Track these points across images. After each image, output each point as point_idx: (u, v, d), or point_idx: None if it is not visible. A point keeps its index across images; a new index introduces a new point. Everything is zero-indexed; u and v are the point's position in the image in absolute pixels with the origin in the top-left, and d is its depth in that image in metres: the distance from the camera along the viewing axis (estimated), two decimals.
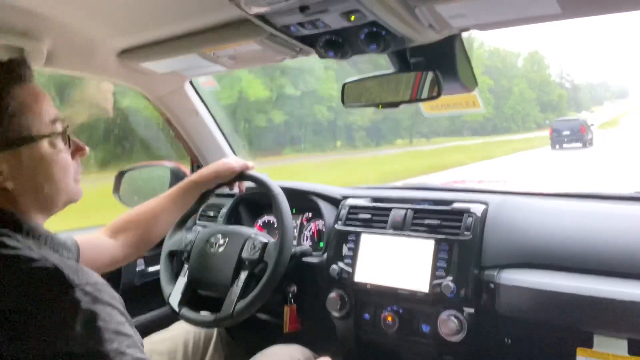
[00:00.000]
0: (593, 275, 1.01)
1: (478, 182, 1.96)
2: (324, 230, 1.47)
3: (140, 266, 1.62)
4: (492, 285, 1.09)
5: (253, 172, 1.30)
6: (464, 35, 1.04)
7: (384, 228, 1.27)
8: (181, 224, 1.40)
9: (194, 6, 1.03)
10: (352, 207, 1.37)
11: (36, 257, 0.63)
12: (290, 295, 1.35)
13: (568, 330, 1.03)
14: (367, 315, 1.26)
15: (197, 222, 1.63)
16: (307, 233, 1.55)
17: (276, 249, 1.22)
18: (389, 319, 1.20)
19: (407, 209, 1.27)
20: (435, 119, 28.48)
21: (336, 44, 1.01)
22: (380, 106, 1.13)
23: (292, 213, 1.31)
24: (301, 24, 0.93)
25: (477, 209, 1.19)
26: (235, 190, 1.32)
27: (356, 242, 1.29)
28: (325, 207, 1.46)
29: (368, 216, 1.32)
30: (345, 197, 1.45)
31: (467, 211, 1.19)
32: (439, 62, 1.06)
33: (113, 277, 1.48)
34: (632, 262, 0.99)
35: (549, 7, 0.84)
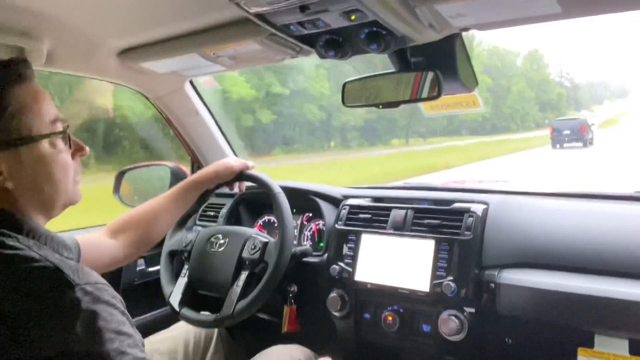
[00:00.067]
0: (594, 275, 1.01)
1: (478, 182, 1.96)
2: (324, 230, 1.47)
3: (141, 266, 1.62)
4: (492, 285, 1.09)
5: (253, 172, 1.30)
6: (465, 34, 1.04)
7: (385, 228, 1.27)
8: (181, 224, 1.40)
9: (194, 6, 1.03)
10: (352, 207, 1.37)
11: (36, 257, 0.63)
12: (291, 295, 1.35)
13: (569, 330, 1.02)
14: (367, 315, 1.26)
15: (197, 222, 1.63)
16: (307, 233, 1.55)
17: (276, 249, 1.22)
18: (390, 318, 1.20)
19: (407, 208, 1.27)
20: (432, 119, 28.09)
21: (336, 44, 1.01)
22: (380, 106, 1.13)
23: (293, 213, 1.31)
24: (301, 24, 0.93)
25: (478, 208, 1.19)
26: (235, 190, 1.31)
27: (356, 242, 1.29)
28: (325, 207, 1.46)
29: (368, 216, 1.32)
30: (346, 197, 1.45)
31: (468, 211, 1.19)
32: (439, 62, 1.06)
33: (113, 277, 1.48)
34: (633, 261, 0.99)
35: (549, 6, 0.84)
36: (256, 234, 1.31)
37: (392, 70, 1.13)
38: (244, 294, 1.21)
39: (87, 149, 0.82)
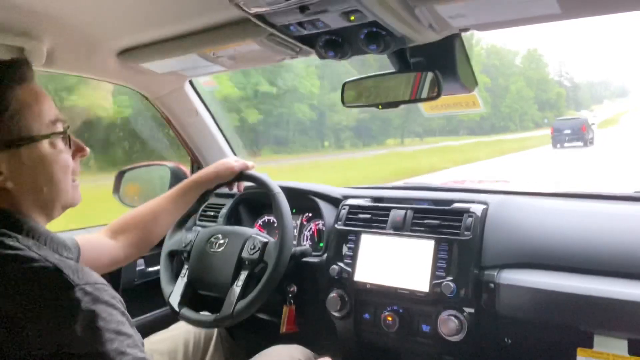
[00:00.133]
0: (593, 275, 1.01)
1: (478, 182, 1.96)
2: (323, 230, 1.47)
3: (140, 266, 1.62)
4: (492, 285, 1.09)
5: (253, 172, 1.31)
6: (463, 33, 1.05)
7: (384, 228, 1.27)
8: (181, 224, 1.41)
9: (194, 6, 1.03)
10: (352, 207, 1.37)
11: (36, 257, 0.63)
12: (290, 295, 1.35)
13: (568, 330, 1.02)
14: (367, 315, 1.26)
15: (197, 222, 1.63)
16: (307, 233, 1.55)
17: (276, 249, 1.22)
18: (389, 318, 1.20)
19: (407, 209, 1.27)
20: (428, 118, 27.86)
21: (336, 44, 1.01)
22: (380, 106, 1.13)
23: (292, 213, 1.31)
24: (301, 24, 0.93)
25: (477, 208, 1.19)
26: (235, 190, 1.32)
27: (356, 242, 1.29)
28: (325, 207, 1.46)
29: (368, 216, 1.32)
30: (346, 197, 1.45)
31: (467, 211, 1.19)
32: (439, 62, 1.06)
33: (113, 277, 1.48)
34: (632, 262, 0.99)
35: (549, 7, 0.84)
36: (256, 234, 1.31)
37: (392, 70, 1.13)
38: (243, 294, 1.21)
39: (88, 149, 0.82)
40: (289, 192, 1.32)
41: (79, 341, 0.58)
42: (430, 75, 1.04)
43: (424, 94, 1.05)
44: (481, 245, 1.15)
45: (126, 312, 0.65)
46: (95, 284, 0.63)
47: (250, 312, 1.20)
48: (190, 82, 1.63)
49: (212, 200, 1.67)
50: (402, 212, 1.27)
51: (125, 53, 1.29)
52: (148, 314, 1.64)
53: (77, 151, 0.81)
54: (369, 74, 1.14)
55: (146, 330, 1.36)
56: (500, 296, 1.08)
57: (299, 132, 23.09)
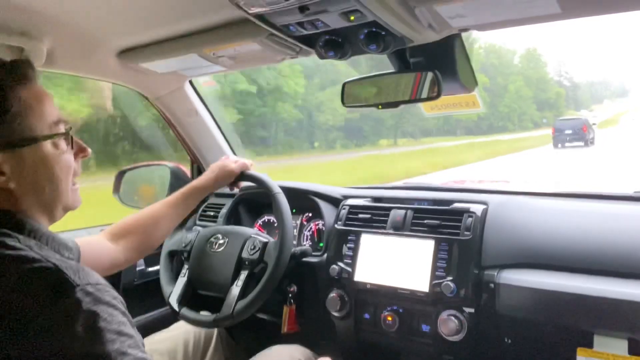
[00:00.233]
0: (593, 275, 1.01)
1: (478, 182, 1.96)
2: (324, 230, 1.47)
3: (140, 266, 1.62)
4: (492, 285, 1.09)
5: (253, 172, 1.31)
6: (463, 33, 1.05)
7: (384, 228, 1.27)
8: (181, 223, 1.40)
9: (194, 6, 1.03)
10: (352, 207, 1.37)
11: (37, 258, 0.63)
12: (290, 295, 1.35)
13: (568, 330, 1.03)
14: (367, 315, 1.26)
15: (197, 222, 1.63)
16: (307, 233, 1.55)
17: (276, 249, 1.22)
18: (389, 318, 1.20)
19: (407, 209, 1.27)
20: (422, 118, 27.00)
21: (336, 44, 1.01)
22: (380, 106, 1.13)
23: (292, 213, 1.31)
24: (301, 24, 0.93)
25: (477, 208, 1.19)
26: (236, 190, 1.32)
27: (356, 242, 1.29)
28: (325, 207, 1.46)
29: (368, 216, 1.32)
30: (346, 197, 1.45)
31: (467, 211, 1.19)
32: (438, 62, 1.06)
33: (113, 277, 1.48)
34: (632, 261, 0.99)
35: (549, 7, 0.84)
36: (256, 234, 1.31)
37: (392, 70, 1.13)
38: (243, 294, 1.21)
39: (89, 150, 0.82)
40: (289, 192, 1.32)
41: (80, 341, 0.58)
42: (430, 75, 1.04)
43: (424, 94, 1.05)
44: (481, 245, 1.15)
45: (127, 312, 0.65)
46: (96, 285, 0.63)
47: (250, 312, 1.21)
48: (190, 82, 1.64)
49: (212, 200, 1.67)
50: (402, 212, 1.27)
51: (125, 53, 1.29)
52: (148, 314, 1.64)
53: (78, 152, 0.81)
54: (368, 74, 1.14)
55: (146, 330, 1.36)
56: (500, 296, 1.08)
57: (285, 133, 21.98)
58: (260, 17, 0.91)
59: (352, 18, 0.88)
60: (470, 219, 1.17)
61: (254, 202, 1.64)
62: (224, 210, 1.61)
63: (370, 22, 0.90)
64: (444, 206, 1.25)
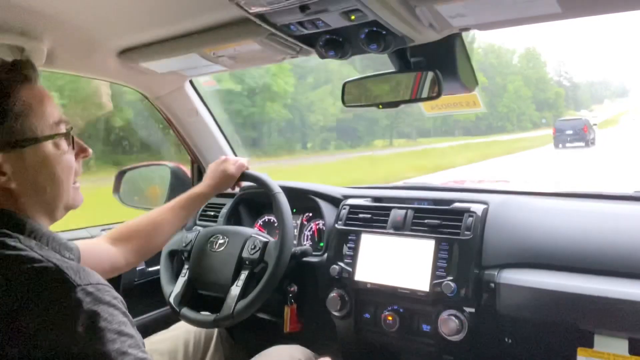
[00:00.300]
0: (594, 275, 1.01)
1: (478, 182, 1.96)
2: (324, 230, 1.47)
3: (141, 266, 1.62)
4: (492, 285, 1.09)
5: (253, 172, 1.31)
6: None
7: (384, 228, 1.27)
8: None
9: (194, 6, 1.03)
10: (352, 207, 1.37)
11: (38, 258, 0.63)
12: (291, 295, 1.35)
13: (568, 330, 1.02)
14: (367, 315, 1.26)
15: (197, 221, 1.63)
16: (307, 233, 1.55)
17: (276, 249, 1.22)
18: (390, 318, 1.20)
19: (407, 208, 1.27)
20: (417, 119, 26.37)
21: (336, 44, 1.01)
22: (380, 106, 1.13)
23: (293, 213, 1.31)
24: (301, 24, 0.93)
25: (478, 208, 1.19)
26: (236, 189, 1.32)
27: (356, 241, 1.29)
28: (325, 207, 1.46)
29: (368, 216, 1.32)
30: (346, 197, 1.45)
31: (468, 211, 1.19)
32: (439, 62, 1.06)
33: (113, 277, 1.48)
34: (633, 261, 0.99)
35: (549, 6, 0.84)
36: (256, 233, 1.31)
37: (392, 69, 1.13)
38: (243, 294, 1.21)
39: (90, 150, 0.82)
40: (290, 192, 1.32)
41: (81, 341, 0.58)
42: (430, 74, 1.04)
43: (425, 94, 1.05)
44: (481, 245, 1.15)
45: (127, 312, 0.65)
46: (97, 285, 0.63)
47: (251, 312, 1.21)
48: (191, 82, 1.63)
49: (212, 200, 1.66)
50: (403, 211, 1.27)
51: (126, 53, 1.29)
52: (148, 314, 1.64)
53: (79, 152, 0.81)
54: (369, 74, 1.14)
55: (146, 330, 1.36)
56: (501, 296, 1.08)
57: (275, 134, 20.90)
58: (260, 16, 0.91)
59: (352, 17, 0.88)
60: (470, 218, 1.17)
61: (254, 201, 1.64)
62: (224, 210, 1.61)
63: (371, 21, 0.90)
64: (444, 206, 1.25)
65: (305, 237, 1.55)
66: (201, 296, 1.33)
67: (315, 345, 1.27)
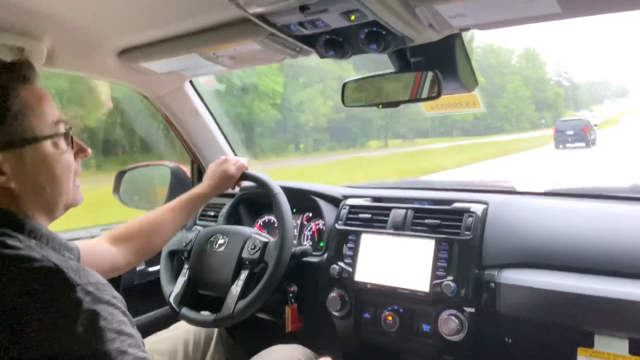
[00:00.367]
0: (594, 275, 1.01)
1: (478, 182, 1.96)
2: (324, 229, 1.47)
3: (141, 266, 1.62)
4: (492, 285, 1.09)
5: (253, 172, 1.31)
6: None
7: (384, 228, 1.27)
8: None
9: (194, 6, 1.03)
10: (352, 206, 1.37)
11: (38, 257, 0.63)
12: (291, 295, 1.35)
13: (569, 330, 1.03)
14: (367, 315, 1.26)
15: (197, 221, 1.63)
16: (307, 233, 1.55)
17: (276, 249, 1.22)
18: (390, 318, 1.20)
19: (407, 208, 1.27)
20: (413, 119, 25.79)
21: (336, 44, 1.01)
22: (380, 106, 1.13)
23: (293, 213, 1.31)
24: (301, 24, 0.93)
25: (478, 208, 1.19)
26: (236, 189, 1.32)
27: (356, 241, 1.29)
28: (325, 207, 1.46)
29: (368, 216, 1.32)
30: (346, 197, 1.45)
31: (468, 211, 1.19)
32: (439, 62, 1.06)
33: (113, 277, 1.48)
34: (633, 261, 0.99)
35: (549, 6, 0.84)
36: (256, 233, 1.31)
37: (392, 70, 1.13)
38: (243, 294, 1.21)
39: (89, 150, 0.83)
40: (290, 191, 1.33)
41: (80, 341, 0.58)
42: (430, 74, 1.04)
43: (424, 94, 1.05)
44: (481, 245, 1.15)
45: (127, 312, 0.66)
46: (96, 284, 0.63)
47: (250, 312, 1.21)
48: (191, 82, 1.63)
49: (212, 199, 1.66)
50: (403, 211, 1.27)
51: (126, 53, 1.29)
52: (148, 314, 1.64)
53: (78, 152, 0.81)
54: (369, 74, 1.14)
55: (146, 330, 1.36)
56: (501, 296, 1.08)
57: (267, 134, 20.22)
58: (260, 16, 0.91)
59: (352, 18, 0.88)
60: (470, 218, 1.17)
61: (254, 201, 1.65)
62: (224, 210, 1.61)
63: (371, 21, 0.90)
64: (444, 206, 1.25)
65: (305, 237, 1.55)
66: (201, 296, 1.33)
67: (315, 345, 1.27)
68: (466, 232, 1.16)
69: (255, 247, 1.26)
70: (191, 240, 1.37)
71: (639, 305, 0.91)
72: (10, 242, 0.65)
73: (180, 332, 1.34)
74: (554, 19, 0.91)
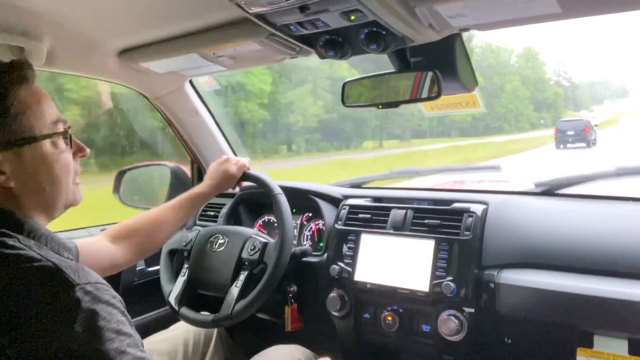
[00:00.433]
0: (593, 275, 1.01)
1: (478, 182, 1.96)
2: (324, 230, 1.47)
3: (141, 266, 1.62)
4: (492, 285, 1.09)
5: (254, 172, 1.31)
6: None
7: (384, 228, 1.27)
8: None
9: (194, 6, 1.03)
10: (352, 207, 1.37)
11: (37, 257, 0.63)
12: (291, 295, 1.35)
13: (568, 330, 1.03)
14: (367, 315, 1.26)
15: (197, 221, 1.63)
16: (307, 233, 1.55)
17: (276, 250, 1.22)
18: (389, 318, 1.20)
19: (407, 208, 1.27)
20: (408, 119, 25.44)
21: (336, 44, 1.01)
22: (380, 106, 1.13)
23: (292, 213, 1.31)
24: (301, 24, 0.93)
25: (477, 208, 1.19)
26: (237, 189, 1.32)
27: (356, 242, 1.29)
28: (325, 207, 1.46)
29: (368, 216, 1.32)
30: (346, 197, 1.45)
31: (467, 211, 1.19)
32: (439, 62, 1.06)
33: (113, 276, 1.47)
34: (633, 261, 0.99)
35: (549, 6, 0.84)
36: (256, 234, 1.31)
37: (392, 70, 1.13)
38: (242, 294, 1.21)
39: (88, 149, 0.83)
40: (290, 192, 1.32)
41: (79, 340, 0.58)
42: (430, 74, 1.04)
43: (424, 94, 1.05)
44: (481, 245, 1.15)
45: (126, 312, 0.66)
46: (95, 284, 0.63)
47: (249, 313, 1.21)
48: (191, 82, 1.64)
49: (212, 199, 1.66)
50: (402, 212, 1.27)
51: (125, 53, 1.29)
52: (148, 314, 1.64)
53: (77, 151, 0.81)
54: (368, 74, 1.14)
55: (146, 330, 1.36)
56: (501, 296, 1.08)
57: (255, 135, 19.26)
58: (260, 16, 0.91)
59: (352, 18, 0.88)
60: (470, 218, 1.17)
61: (254, 202, 1.64)
62: (224, 210, 1.61)
63: (371, 21, 0.90)
64: (444, 206, 1.25)
65: (305, 237, 1.55)
66: (201, 296, 1.33)
67: (315, 345, 1.27)
68: (466, 232, 1.16)
69: (255, 247, 1.26)
70: (191, 240, 1.37)
71: (639, 306, 0.91)
72: (10, 242, 0.65)
73: (180, 332, 1.34)
74: (554, 19, 0.91)
